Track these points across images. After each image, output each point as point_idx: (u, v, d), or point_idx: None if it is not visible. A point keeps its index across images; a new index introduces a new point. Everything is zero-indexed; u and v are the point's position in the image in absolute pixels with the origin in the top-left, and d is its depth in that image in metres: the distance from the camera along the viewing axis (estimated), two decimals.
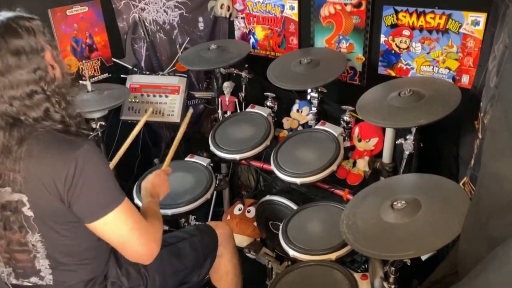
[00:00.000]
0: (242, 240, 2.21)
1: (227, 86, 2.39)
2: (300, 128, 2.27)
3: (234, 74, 2.44)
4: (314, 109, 2.13)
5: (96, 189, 1.16)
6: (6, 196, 1.15)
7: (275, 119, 2.26)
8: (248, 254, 2.06)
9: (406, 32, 1.99)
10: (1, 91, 1.10)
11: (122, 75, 2.69)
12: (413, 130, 1.69)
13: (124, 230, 1.20)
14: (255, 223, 2.25)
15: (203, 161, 2.16)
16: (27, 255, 1.23)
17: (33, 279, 1.26)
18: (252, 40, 2.62)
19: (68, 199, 1.14)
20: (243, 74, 2.39)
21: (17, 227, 1.18)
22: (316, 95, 2.09)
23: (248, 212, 2.30)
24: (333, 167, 1.82)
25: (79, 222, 1.20)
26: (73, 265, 1.26)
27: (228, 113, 2.42)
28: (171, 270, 1.50)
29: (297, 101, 2.30)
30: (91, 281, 1.31)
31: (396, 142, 1.79)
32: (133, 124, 2.61)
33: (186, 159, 2.21)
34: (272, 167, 1.92)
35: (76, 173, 1.12)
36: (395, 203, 1.41)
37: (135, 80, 2.65)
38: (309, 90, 2.12)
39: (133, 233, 1.21)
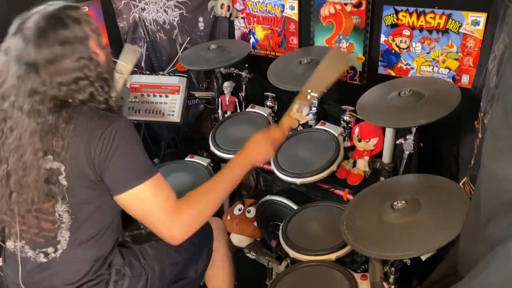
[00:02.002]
0: (242, 240, 2.21)
1: (227, 86, 2.39)
2: (300, 128, 2.26)
3: (234, 74, 2.44)
4: (314, 109, 2.13)
5: (126, 160, 1.21)
6: (48, 164, 1.21)
7: (275, 119, 2.26)
8: (248, 254, 2.06)
9: (406, 32, 1.99)
10: (50, 77, 1.18)
11: None
12: (413, 130, 1.69)
13: (148, 205, 1.23)
14: (255, 223, 2.25)
15: (203, 161, 2.16)
16: (52, 224, 1.27)
17: (50, 250, 1.29)
18: (252, 40, 2.62)
19: (100, 168, 1.19)
20: (243, 74, 2.39)
21: (50, 196, 1.23)
22: (316, 94, 2.08)
23: (248, 212, 2.30)
24: (333, 167, 1.82)
25: (105, 198, 1.25)
26: (85, 240, 1.29)
27: (228, 113, 2.42)
28: (169, 261, 1.51)
29: (298, 101, 2.30)
30: (96, 264, 1.32)
31: (396, 142, 1.79)
32: (133, 124, 2.62)
33: (186, 159, 2.21)
34: (272, 167, 1.92)
35: (109, 143, 1.18)
36: (395, 203, 1.41)
37: (135, 80, 2.65)
38: (309, 90, 2.11)
39: (157, 211, 1.23)
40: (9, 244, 1.36)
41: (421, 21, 1.93)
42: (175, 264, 1.53)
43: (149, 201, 1.22)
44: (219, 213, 2.54)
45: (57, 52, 1.17)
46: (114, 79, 1.35)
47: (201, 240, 1.64)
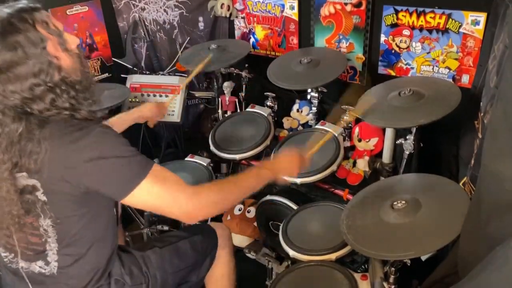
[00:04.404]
0: (242, 240, 2.21)
1: (227, 86, 2.39)
2: (300, 128, 2.26)
3: (234, 74, 2.44)
4: (314, 109, 2.13)
5: (116, 168, 1.17)
6: (22, 180, 1.17)
7: (275, 119, 2.26)
8: (248, 254, 2.06)
9: (406, 32, 1.99)
10: (3, 86, 1.11)
11: (122, 75, 2.70)
12: (413, 130, 1.69)
13: (157, 197, 1.20)
14: (255, 223, 2.25)
15: (203, 161, 2.16)
16: (39, 238, 1.24)
17: (40, 263, 1.27)
18: (252, 39, 2.62)
19: (85, 184, 1.15)
20: (243, 74, 2.39)
21: (31, 211, 1.20)
22: (316, 94, 2.08)
23: (248, 212, 2.30)
24: (333, 167, 1.82)
25: (91, 209, 1.22)
26: (80, 253, 1.27)
27: (228, 113, 2.42)
28: (171, 268, 1.50)
29: (297, 101, 2.30)
30: (95, 276, 1.31)
31: (396, 142, 1.79)
32: (133, 124, 2.62)
33: (186, 159, 2.21)
34: None
35: (90, 158, 1.12)
36: (395, 203, 1.41)
37: (135, 80, 2.65)
38: (309, 90, 2.12)
39: (166, 198, 1.21)
40: (3, 256, 1.33)
41: (421, 21, 1.93)
42: (177, 271, 1.52)
43: (157, 191, 1.19)
44: (220, 213, 2.54)
45: (7, 59, 1.09)
46: (88, 81, 1.26)
47: (206, 247, 1.63)
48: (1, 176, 1.15)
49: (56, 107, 1.16)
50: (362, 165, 1.98)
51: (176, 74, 2.73)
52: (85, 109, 1.22)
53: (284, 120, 2.31)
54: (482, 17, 1.76)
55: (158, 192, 1.20)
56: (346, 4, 2.13)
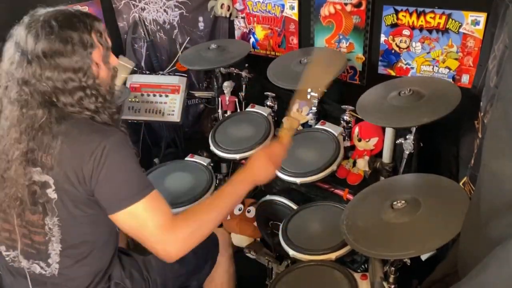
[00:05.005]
0: (242, 240, 2.21)
1: (227, 85, 2.39)
2: (300, 128, 2.26)
3: (234, 74, 2.44)
4: (314, 109, 2.13)
5: (119, 180, 1.18)
6: (35, 176, 1.18)
7: (275, 118, 2.26)
8: (248, 254, 2.06)
9: (406, 32, 1.99)
10: (41, 70, 1.15)
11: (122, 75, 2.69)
12: (413, 129, 1.69)
13: (143, 223, 1.19)
14: (255, 223, 2.25)
15: (203, 161, 2.16)
16: (42, 237, 1.24)
17: (42, 264, 1.27)
18: (252, 39, 2.62)
19: (91, 187, 1.16)
20: (243, 73, 2.39)
21: (38, 208, 1.20)
22: (316, 94, 2.08)
23: (248, 212, 2.30)
24: (333, 167, 1.82)
25: (98, 212, 1.21)
26: (81, 255, 1.27)
27: (228, 112, 2.42)
28: (172, 273, 1.49)
29: (297, 100, 2.30)
30: (95, 279, 1.31)
31: (396, 142, 1.79)
32: (133, 124, 2.63)
33: (186, 159, 2.21)
34: None
35: (101, 161, 1.14)
36: (395, 203, 1.41)
37: (135, 79, 2.65)
38: (309, 90, 2.11)
39: (152, 228, 1.19)
40: (4, 255, 1.32)
41: (421, 21, 1.93)
42: (178, 276, 1.51)
43: (144, 218, 1.18)
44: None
45: (55, 48, 1.15)
46: (114, 99, 1.30)
47: (206, 252, 1.61)
48: (13, 155, 1.16)
49: (81, 105, 1.20)
50: (362, 165, 1.98)
51: (176, 74, 2.73)
52: (106, 114, 1.25)
53: (284, 120, 2.31)
54: (482, 17, 1.76)
55: (145, 219, 1.18)
56: (346, 4, 2.13)
